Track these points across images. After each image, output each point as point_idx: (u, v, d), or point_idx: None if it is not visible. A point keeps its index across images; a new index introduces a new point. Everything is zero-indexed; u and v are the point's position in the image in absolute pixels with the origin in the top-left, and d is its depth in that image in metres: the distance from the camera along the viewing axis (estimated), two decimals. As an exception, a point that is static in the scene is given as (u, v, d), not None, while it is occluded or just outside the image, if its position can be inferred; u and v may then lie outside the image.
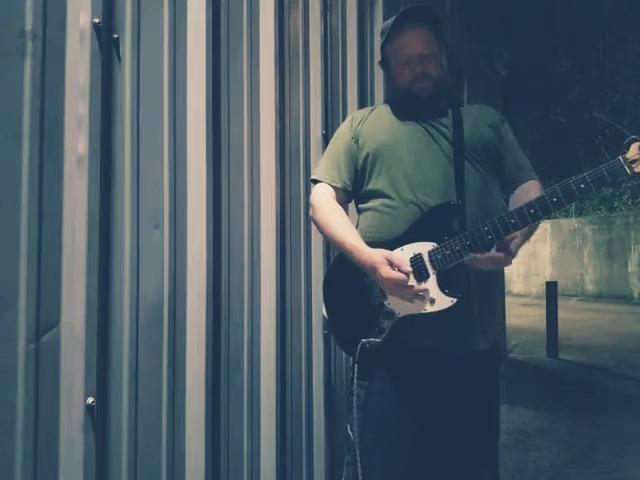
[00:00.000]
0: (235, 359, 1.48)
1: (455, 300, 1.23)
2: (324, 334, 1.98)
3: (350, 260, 1.32)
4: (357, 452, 1.33)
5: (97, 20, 1.08)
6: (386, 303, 1.28)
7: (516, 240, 1.21)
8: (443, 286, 1.24)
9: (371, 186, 1.41)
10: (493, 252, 1.20)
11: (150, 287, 1.20)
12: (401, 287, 1.23)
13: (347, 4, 2.31)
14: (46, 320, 0.96)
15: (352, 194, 1.48)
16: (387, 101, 1.56)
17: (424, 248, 1.26)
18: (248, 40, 1.61)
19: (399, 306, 1.27)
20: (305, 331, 1.88)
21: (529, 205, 1.17)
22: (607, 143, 14.13)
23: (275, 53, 1.73)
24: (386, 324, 1.28)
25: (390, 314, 1.28)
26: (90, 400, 1.03)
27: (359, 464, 1.32)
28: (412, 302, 1.25)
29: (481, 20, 5.34)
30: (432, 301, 1.24)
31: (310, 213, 1.47)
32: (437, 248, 1.24)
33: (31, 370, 0.93)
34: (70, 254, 1.01)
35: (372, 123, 1.46)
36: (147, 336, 1.19)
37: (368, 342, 1.27)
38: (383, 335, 1.27)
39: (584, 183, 1.12)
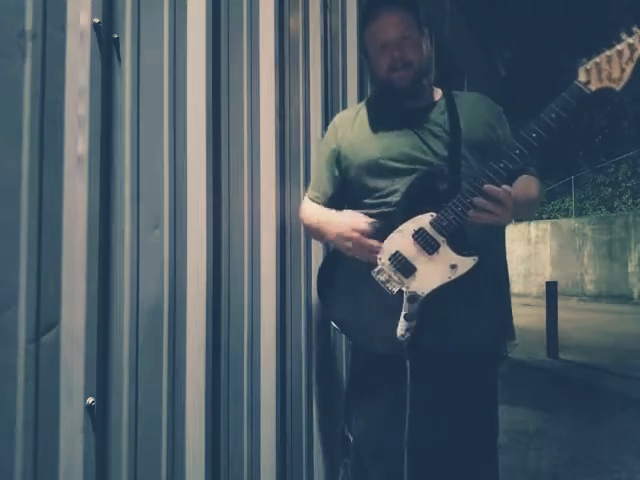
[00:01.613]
0: (235, 359, 1.48)
1: (477, 258, 1.21)
2: (324, 334, 1.98)
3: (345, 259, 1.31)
4: (356, 453, 1.33)
5: (97, 20, 1.08)
6: (405, 288, 1.25)
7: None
8: (458, 249, 1.22)
9: (361, 201, 1.40)
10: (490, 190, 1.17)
11: (150, 287, 1.20)
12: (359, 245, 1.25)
13: (347, 4, 2.31)
14: (46, 320, 0.96)
15: (339, 202, 1.49)
16: (372, 97, 1.52)
17: (423, 221, 1.24)
18: (248, 40, 1.61)
19: (421, 285, 1.24)
20: (305, 331, 1.87)
21: (512, 146, 1.18)
22: (607, 143, 14.12)
23: (275, 53, 1.73)
24: (413, 309, 1.24)
25: (413, 297, 1.24)
26: (90, 400, 1.03)
27: (358, 465, 1.32)
28: (371, 256, 1.25)
29: (481, 20, 5.33)
30: (453, 267, 1.22)
31: (303, 227, 1.52)
32: (439, 216, 1.22)
33: (31, 370, 0.93)
34: (70, 254, 1.01)
35: (357, 132, 1.42)
36: (147, 336, 1.19)
37: (404, 332, 1.23)
38: (414, 321, 1.23)
39: (553, 112, 1.17)
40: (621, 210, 13.93)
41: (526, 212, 1.44)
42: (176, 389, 1.26)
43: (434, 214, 1.23)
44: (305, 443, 1.84)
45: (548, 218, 15.02)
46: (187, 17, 1.35)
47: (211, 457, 1.36)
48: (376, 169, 1.35)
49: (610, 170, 14.48)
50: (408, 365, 1.23)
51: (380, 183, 1.35)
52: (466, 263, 1.22)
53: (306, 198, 1.53)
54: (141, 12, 1.20)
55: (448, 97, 1.40)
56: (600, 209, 14.56)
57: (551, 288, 6.00)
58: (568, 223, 14.02)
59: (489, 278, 1.33)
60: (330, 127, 1.52)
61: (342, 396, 2.06)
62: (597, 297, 12.83)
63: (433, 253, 1.23)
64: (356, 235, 1.27)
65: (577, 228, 13.69)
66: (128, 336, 1.14)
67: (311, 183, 1.55)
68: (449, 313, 1.26)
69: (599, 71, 1.16)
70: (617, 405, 3.94)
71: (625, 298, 12.24)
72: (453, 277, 1.22)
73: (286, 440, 1.72)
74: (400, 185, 1.32)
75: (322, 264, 1.47)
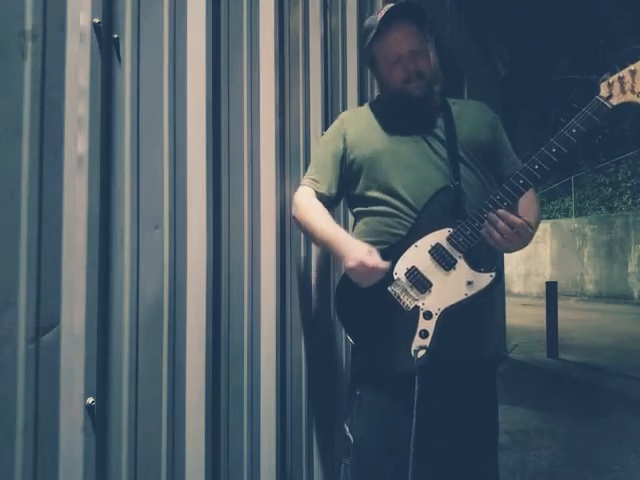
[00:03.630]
0: (235, 359, 1.48)
1: (494, 275, 1.21)
2: (325, 333, 1.98)
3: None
4: (357, 453, 1.33)
5: (97, 20, 1.08)
6: (420, 304, 1.24)
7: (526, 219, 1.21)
8: (476, 266, 1.22)
9: (365, 193, 1.39)
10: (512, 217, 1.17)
11: (150, 287, 1.20)
12: (363, 266, 1.22)
13: (347, 4, 2.31)
14: (46, 320, 0.96)
15: (336, 200, 1.49)
16: (378, 101, 1.53)
17: (440, 237, 1.23)
18: (248, 40, 1.61)
19: (437, 301, 1.23)
20: (305, 330, 1.87)
21: (531, 162, 1.18)
22: (607, 143, 14.13)
23: (275, 53, 1.73)
24: (429, 325, 1.23)
25: (429, 313, 1.23)
26: (90, 400, 1.03)
27: (359, 466, 1.32)
28: (370, 278, 1.23)
29: (481, 20, 5.33)
30: (470, 283, 1.21)
31: (293, 212, 1.48)
32: (456, 231, 1.22)
33: (31, 370, 0.93)
34: (70, 254, 1.01)
35: (363, 128, 1.43)
36: (147, 336, 1.19)
37: (419, 348, 1.21)
38: (429, 338, 1.22)
39: (575, 128, 1.16)
40: (621, 210, 13.93)
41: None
42: (176, 389, 1.26)
43: (451, 229, 1.23)
44: (305, 443, 1.84)
45: (548, 218, 15.02)
46: (187, 17, 1.35)
47: (211, 457, 1.36)
48: (373, 165, 1.36)
49: (610, 170, 14.48)
50: (416, 379, 1.21)
51: (382, 178, 1.35)
52: (483, 280, 1.21)
53: (304, 184, 1.49)
54: (141, 12, 1.20)
55: (443, 102, 1.43)
56: (600, 209, 14.56)
57: (551, 288, 6.00)
58: (568, 223, 14.02)
59: (491, 296, 1.34)
60: (336, 121, 1.52)
61: (342, 395, 2.06)
62: (597, 297, 12.83)
63: (450, 269, 1.22)
64: (365, 270, 1.25)
65: (577, 228, 13.69)
66: (128, 336, 1.14)
67: (312, 169, 1.51)
68: (461, 326, 1.26)
69: (622, 85, 1.14)
70: (617, 405, 3.93)
71: (625, 298, 12.24)
72: (470, 294, 1.21)
73: (286, 440, 1.72)
74: (401, 186, 1.32)
75: (340, 280, 1.44)
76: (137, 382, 1.15)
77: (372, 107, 1.50)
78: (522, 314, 9.36)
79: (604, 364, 5.35)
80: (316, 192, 1.46)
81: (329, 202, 1.47)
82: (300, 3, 1.92)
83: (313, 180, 1.47)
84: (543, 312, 6.01)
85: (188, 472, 1.28)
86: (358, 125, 1.45)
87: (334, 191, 1.46)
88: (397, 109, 1.42)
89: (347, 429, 1.39)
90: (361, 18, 2.41)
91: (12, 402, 0.90)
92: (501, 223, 1.17)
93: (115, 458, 1.10)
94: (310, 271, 1.92)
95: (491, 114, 1.47)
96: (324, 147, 1.50)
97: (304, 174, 1.90)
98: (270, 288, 1.67)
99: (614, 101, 1.16)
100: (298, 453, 1.80)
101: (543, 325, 5.95)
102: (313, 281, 1.93)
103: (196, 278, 1.34)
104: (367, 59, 1.48)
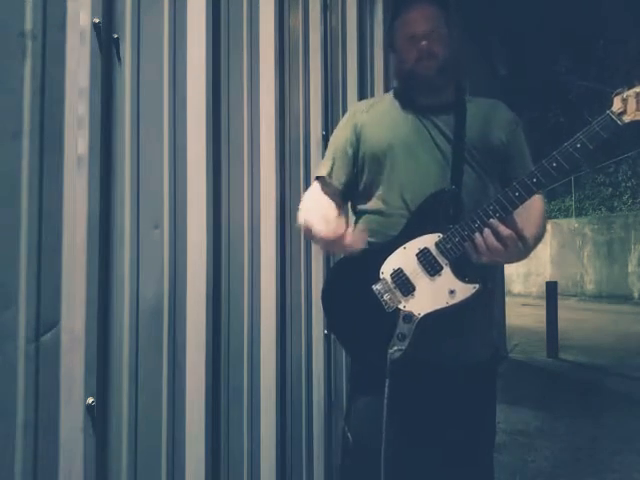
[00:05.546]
0: (235, 359, 1.48)
1: (477, 286, 1.19)
2: (324, 334, 1.98)
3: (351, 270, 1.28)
4: (354, 455, 1.33)
5: (97, 20, 1.08)
6: (402, 307, 1.23)
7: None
8: (461, 275, 1.20)
9: (366, 189, 1.38)
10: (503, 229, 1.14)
11: (150, 287, 1.20)
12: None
13: (347, 4, 2.31)
14: (46, 320, 0.96)
15: (347, 193, 1.44)
16: (393, 93, 1.52)
17: (429, 241, 1.22)
18: (248, 40, 1.61)
19: (417, 306, 1.22)
20: (305, 331, 1.87)
21: (530, 175, 1.15)
22: (607, 143, 14.12)
23: (275, 53, 1.73)
24: (407, 329, 1.21)
25: (409, 317, 1.22)
26: (90, 400, 1.03)
27: (354, 467, 1.31)
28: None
29: (481, 20, 5.33)
30: (452, 292, 1.20)
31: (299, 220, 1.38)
32: (445, 238, 1.20)
33: (31, 370, 0.93)
34: (70, 254, 1.01)
35: (374, 120, 1.41)
36: (147, 336, 1.19)
37: (394, 351, 1.20)
38: (406, 341, 1.21)
39: (580, 142, 1.12)
40: (621, 210, 13.93)
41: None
42: (176, 389, 1.26)
43: (441, 235, 1.21)
44: (305, 442, 1.84)
45: (548, 218, 15.02)
46: (187, 17, 1.35)
47: (211, 457, 1.36)
48: (376, 161, 1.35)
49: (610, 170, 14.48)
50: (387, 382, 1.21)
51: (381, 176, 1.34)
52: (466, 290, 1.20)
53: (315, 177, 1.44)
54: (141, 12, 1.20)
55: (459, 101, 1.40)
56: (600, 209, 14.56)
57: (551, 288, 6.00)
58: (568, 223, 14.03)
59: (486, 301, 1.32)
60: (348, 115, 1.48)
61: (342, 395, 2.06)
62: (597, 297, 12.84)
63: (435, 275, 1.21)
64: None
65: (577, 228, 13.70)
66: (128, 336, 1.14)
67: (325, 159, 1.46)
68: (442, 334, 1.25)
69: (638, 102, 1.08)
70: (617, 405, 3.94)
71: (625, 298, 12.25)
72: (451, 303, 1.20)
73: (286, 438, 1.72)
74: (398, 186, 1.31)
75: (328, 275, 1.44)
76: (137, 382, 1.16)
77: (386, 99, 1.48)
78: (522, 314, 9.36)
79: (604, 364, 5.35)
80: (328, 183, 1.41)
81: (340, 194, 1.42)
82: (300, 3, 1.92)
83: (326, 168, 1.42)
84: (543, 312, 6.01)
85: (188, 472, 1.28)
86: (370, 118, 1.43)
87: (344, 185, 1.41)
88: (407, 93, 1.40)
89: (346, 428, 1.39)
90: (361, 18, 2.42)
91: (12, 402, 0.90)
92: (488, 233, 1.15)
93: (115, 458, 1.10)
94: (310, 270, 1.92)
95: (510, 115, 1.43)
96: (336, 140, 1.44)
97: (304, 175, 1.90)
98: (270, 287, 1.67)
99: (627, 118, 1.09)
100: (298, 452, 1.80)
101: (543, 325, 5.95)
102: (313, 280, 1.93)
103: (196, 278, 1.34)
104: (387, 40, 1.46)
